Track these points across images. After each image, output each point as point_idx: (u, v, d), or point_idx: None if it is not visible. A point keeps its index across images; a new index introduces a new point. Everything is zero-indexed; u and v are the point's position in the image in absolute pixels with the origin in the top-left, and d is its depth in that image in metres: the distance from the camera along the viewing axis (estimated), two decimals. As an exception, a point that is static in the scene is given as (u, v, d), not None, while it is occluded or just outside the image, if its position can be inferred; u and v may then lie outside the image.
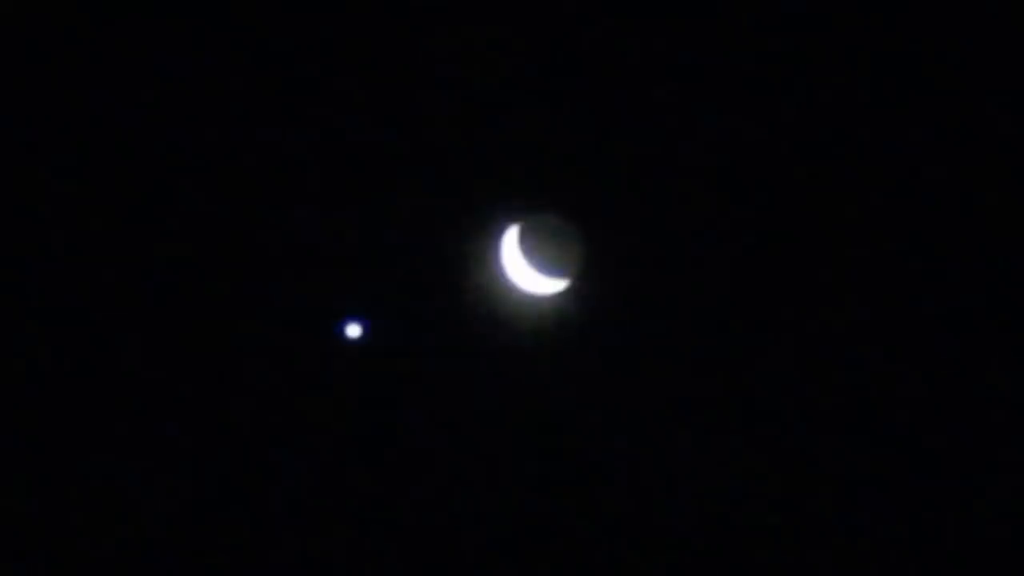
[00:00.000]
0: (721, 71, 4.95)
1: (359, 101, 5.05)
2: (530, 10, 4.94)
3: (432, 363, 5.16)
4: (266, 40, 5.05)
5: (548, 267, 5.14)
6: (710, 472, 5.11)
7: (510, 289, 5.14)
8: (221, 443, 5.24)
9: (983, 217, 5.00)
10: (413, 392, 5.18)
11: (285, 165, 5.11)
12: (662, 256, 5.05)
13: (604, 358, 5.11)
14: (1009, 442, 5.03)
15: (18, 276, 5.15)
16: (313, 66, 5.06)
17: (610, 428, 5.15)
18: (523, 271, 5.14)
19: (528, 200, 5.08)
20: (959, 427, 5.06)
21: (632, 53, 4.96)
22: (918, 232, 5.01)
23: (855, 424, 5.08)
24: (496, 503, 5.19)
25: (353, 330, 5.16)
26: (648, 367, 5.12)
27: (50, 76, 5.09)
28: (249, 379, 5.22)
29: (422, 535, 5.21)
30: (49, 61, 5.10)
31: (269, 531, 5.24)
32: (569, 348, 5.10)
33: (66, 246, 5.15)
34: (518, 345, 5.12)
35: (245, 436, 5.24)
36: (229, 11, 5.01)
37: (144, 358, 5.19)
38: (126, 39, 5.05)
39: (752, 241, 5.05)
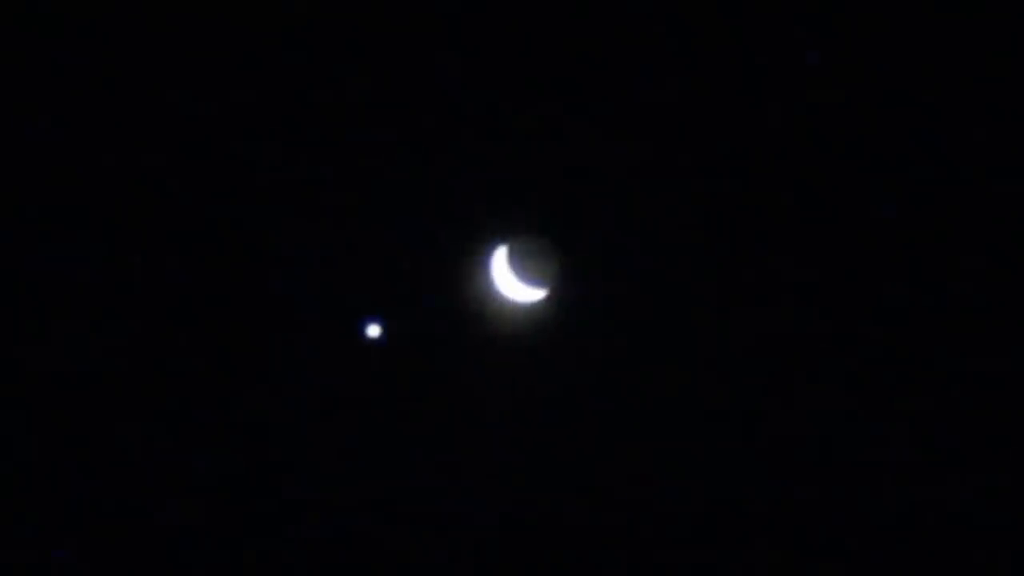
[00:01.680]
0: (692, 100, 4.88)
1: (382, 138, 5.00)
2: (523, 46, 4.91)
3: (433, 357, 5.15)
4: (281, 65, 4.94)
5: (530, 279, 5.19)
6: (682, 465, 5.06)
7: (499, 297, 5.17)
8: (235, 437, 5.15)
9: (976, 218, 4.85)
10: (415, 382, 5.16)
11: (306, 185, 5.05)
12: (625, 271, 5.07)
13: (577, 355, 5.13)
14: (1008, 440, 4.85)
15: (49, 272, 5.05)
16: (335, 100, 4.99)
17: (584, 416, 5.14)
18: (510, 283, 5.19)
19: (514, 225, 5.11)
20: (954, 427, 4.91)
21: (606, 90, 4.91)
22: (889, 246, 4.90)
23: (834, 428, 4.97)
24: (486, 484, 5.16)
25: (372, 329, 5.12)
26: (614, 364, 5.11)
27: (65, 77, 4.94)
28: (263, 375, 5.15)
29: (421, 522, 5.16)
30: (64, 62, 4.93)
31: (279, 522, 5.14)
32: (547, 346, 5.14)
33: (93, 248, 5.05)
34: (505, 343, 5.14)
35: (256, 429, 5.16)
36: (248, 25, 4.89)
37: (162, 355, 5.09)
38: (143, 42, 4.92)
39: (709, 252, 5.01)
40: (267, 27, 4.91)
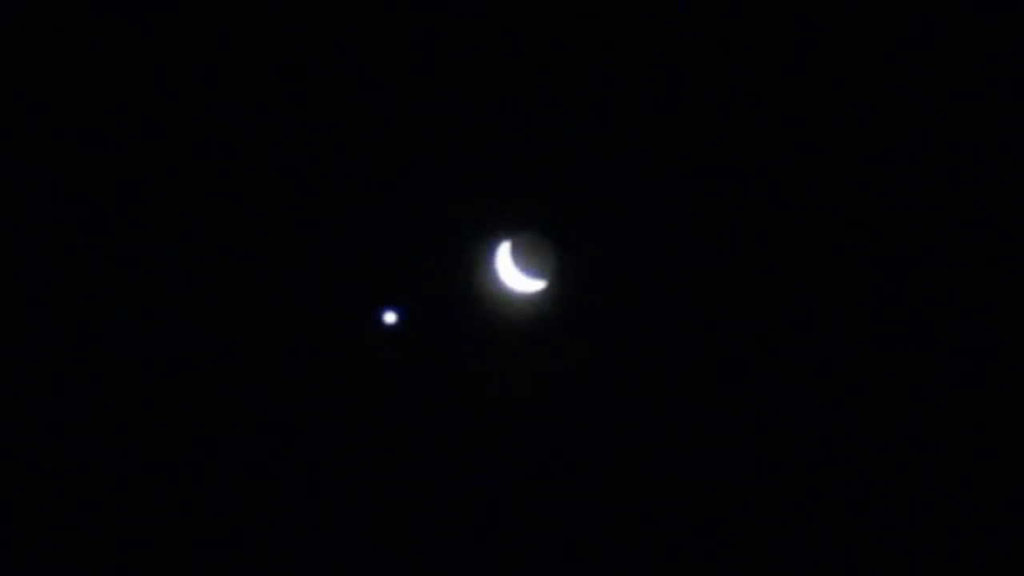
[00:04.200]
0: (691, 98, 4.89)
1: (396, 144, 5.05)
2: (519, 58, 4.93)
3: (441, 343, 5.24)
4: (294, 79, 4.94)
5: (531, 272, 5.28)
6: (678, 452, 5.09)
7: (502, 288, 5.26)
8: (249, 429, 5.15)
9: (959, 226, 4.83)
10: (426, 366, 5.23)
11: (320, 183, 5.08)
12: (621, 264, 5.14)
13: (575, 343, 5.21)
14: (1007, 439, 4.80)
15: (77, 265, 5.04)
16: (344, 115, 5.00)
17: (582, 401, 5.21)
18: (512, 275, 5.28)
19: (517, 222, 5.19)
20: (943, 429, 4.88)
21: (606, 89, 4.93)
22: (869, 251, 4.90)
23: (832, 421, 4.96)
24: (487, 468, 5.22)
25: (388, 317, 5.19)
26: (611, 351, 5.19)
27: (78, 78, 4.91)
28: (274, 364, 5.14)
29: (422, 507, 5.20)
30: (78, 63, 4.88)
31: (284, 511, 5.16)
32: (547, 334, 5.22)
33: (117, 246, 5.06)
34: (508, 331, 5.21)
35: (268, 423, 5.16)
36: (255, 24, 4.87)
37: (165, 350, 5.08)
38: (156, 42, 4.89)
39: (706, 245, 5.03)
40: (274, 26, 4.91)
